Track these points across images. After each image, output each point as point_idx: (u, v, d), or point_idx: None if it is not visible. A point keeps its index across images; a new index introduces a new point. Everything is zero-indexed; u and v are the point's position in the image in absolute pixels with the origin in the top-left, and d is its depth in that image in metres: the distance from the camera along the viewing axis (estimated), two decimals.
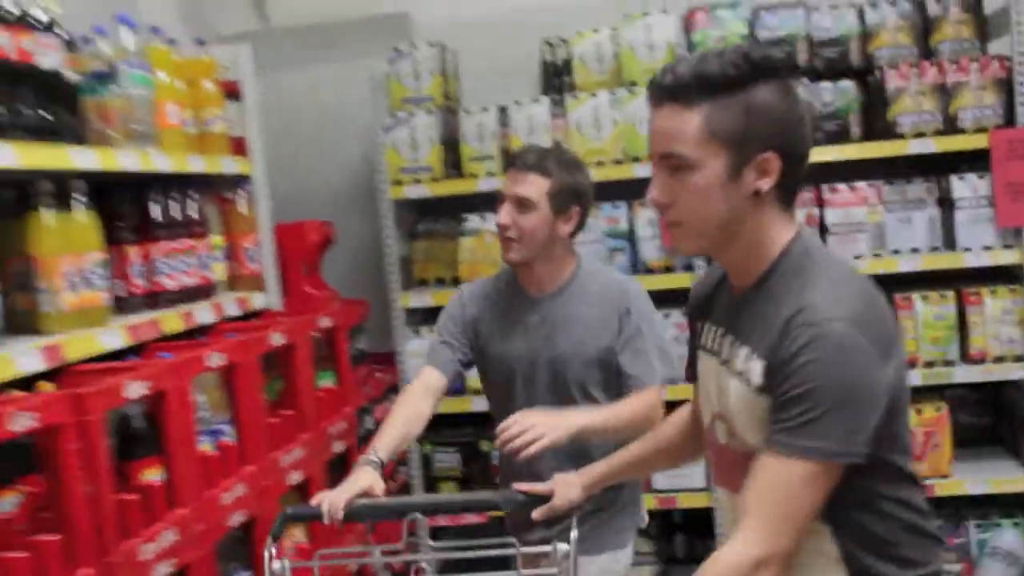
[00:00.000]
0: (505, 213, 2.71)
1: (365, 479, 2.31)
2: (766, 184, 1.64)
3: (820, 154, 3.84)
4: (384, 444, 2.48)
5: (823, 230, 3.90)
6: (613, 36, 4.11)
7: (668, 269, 3.99)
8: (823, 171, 3.80)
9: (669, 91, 1.65)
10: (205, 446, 2.62)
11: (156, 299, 2.89)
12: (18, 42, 2.35)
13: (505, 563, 2.19)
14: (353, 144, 4.59)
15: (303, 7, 4.69)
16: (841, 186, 3.91)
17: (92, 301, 2.54)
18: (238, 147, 3.48)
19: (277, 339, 3.03)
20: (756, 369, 1.66)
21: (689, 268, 3.95)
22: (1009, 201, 3.77)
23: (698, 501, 4.00)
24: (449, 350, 2.79)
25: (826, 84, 3.93)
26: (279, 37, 4.61)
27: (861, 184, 3.91)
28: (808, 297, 1.61)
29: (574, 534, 2.12)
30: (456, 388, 4.03)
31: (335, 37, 4.65)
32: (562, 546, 2.10)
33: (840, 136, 3.92)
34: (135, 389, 2.23)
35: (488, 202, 4.05)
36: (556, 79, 4.25)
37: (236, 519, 2.61)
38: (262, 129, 3.68)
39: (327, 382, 3.56)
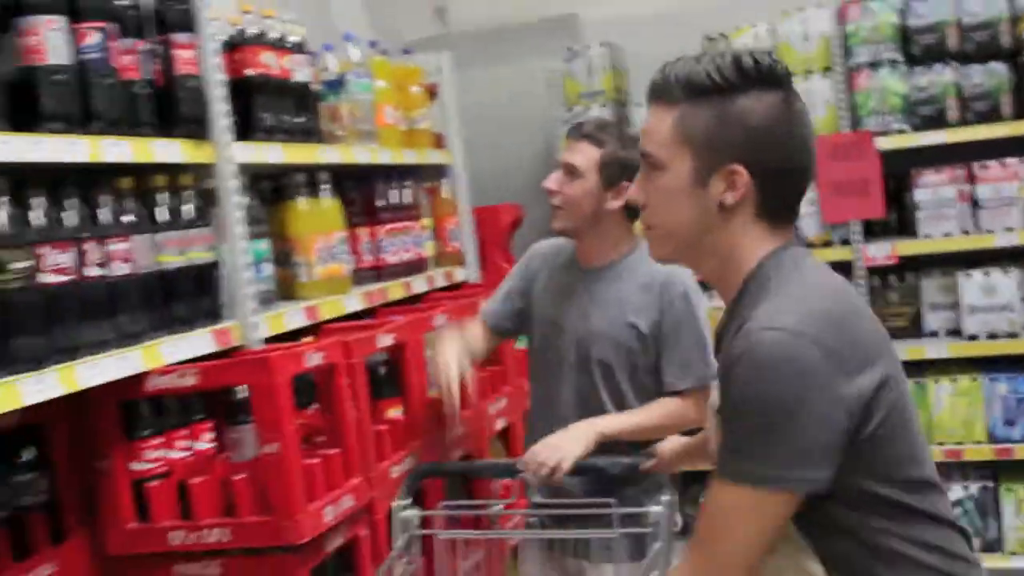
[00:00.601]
0: (553, 179, 2.67)
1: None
2: (731, 197, 1.54)
3: (971, 133, 4.14)
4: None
5: (975, 204, 4.19)
6: (771, 30, 4.46)
7: (827, 243, 4.33)
8: (974, 149, 4.10)
9: (656, 90, 1.61)
10: (433, 392, 3.12)
11: (381, 272, 3.42)
12: (280, 61, 2.90)
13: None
14: (537, 134, 5.00)
15: (480, 13, 5.18)
16: (992, 163, 4.18)
17: (337, 272, 3.07)
18: (439, 141, 4.01)
19: None
20: (716, 389, 1.58)
21: (846, 242, 4.28)
22: None
23: None
24: (501, 304, 2.89)
25: (976, 66, 4.19)
26: (458, 41, 5.06)
27: (1012, 160, 4.17)
28: (756, 310, 1.50)
29: (665, 497, 2.22)
30: None
31: (510, 39, 5.10)
32: (655, 508, 2.21)
33: (991, 116, 4.18)
34: (384, 340, 2.75)
35: None
36: None
37: (456, 454, 3.10)
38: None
39: (521, 344, 4.03)
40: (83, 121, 2.20)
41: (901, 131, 4.22)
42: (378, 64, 3.57)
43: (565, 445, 2.48)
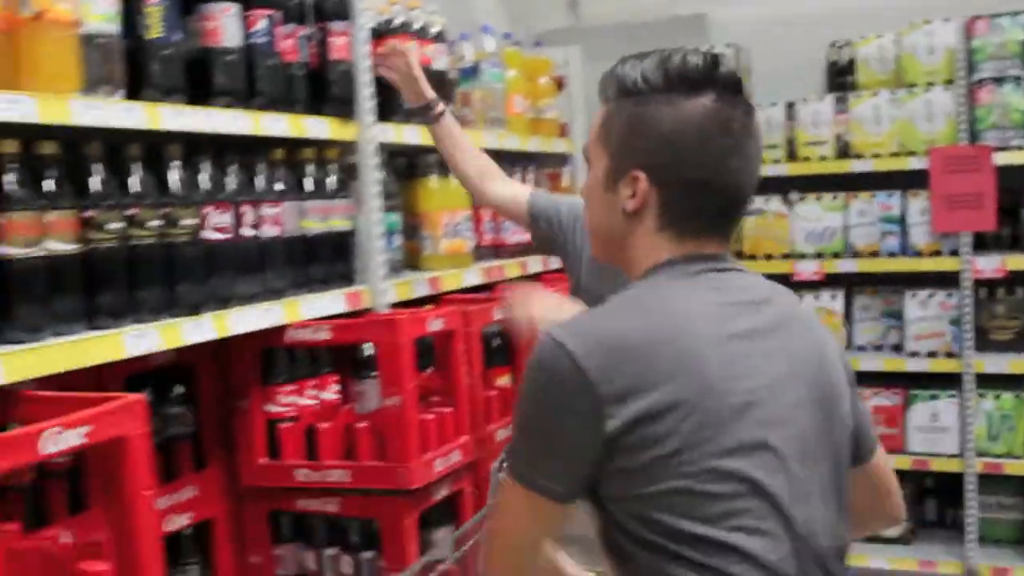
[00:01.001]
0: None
1: None
2: (630, 204, 1.50)
3: None
4: None
5: None
6: (896, 40, 4.53)
7: (936, 253, 4.39)
8: None
9: (600, 86, 1.57)
10: None
11: (500, 250, 3.65)
12: (422, 50, 3.14)
13: None
14: None
15: (611, 9, 5.32)
16: None
17: (460, 248, 3.31)
18: (564, 131, 4.22)
19: None
20: None
21: (955, 253, 4.35)
22: None
23: (950, 466, 4.33)
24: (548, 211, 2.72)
25: None
26: (588, 34, 5.19)
27: None
28: None
29: None
30: None
31: (639, 35, 5.24)
32: None
33: None
34: (499, 312, 2.98)
35: (773, 187, 4.61)
36: (840, 78, 4.70)
37: None
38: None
39: None
40: (247, 97, 2.48)
41: (1020, 147, 4.26)
42: (511, 55, 3.79)
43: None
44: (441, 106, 2.76)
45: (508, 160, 3.71)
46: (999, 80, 4.28)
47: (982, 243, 4.41)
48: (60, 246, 1.99)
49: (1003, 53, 4.32)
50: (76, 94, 1.99)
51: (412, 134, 3.04)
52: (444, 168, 3.25)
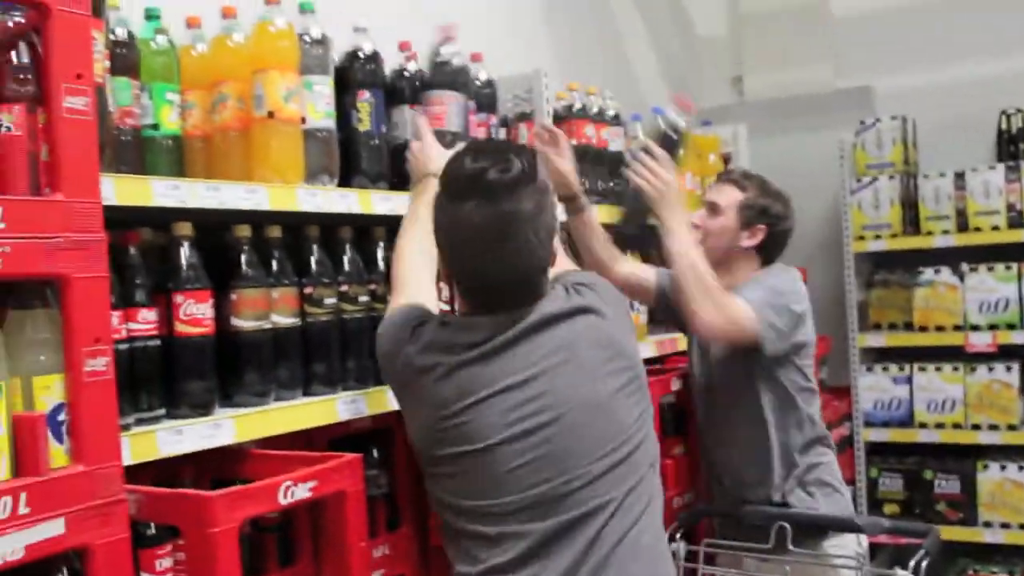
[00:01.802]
0: (698, 216, 2.89)
1: None
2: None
3: None
4: None
5: None
6: None
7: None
8: None
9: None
10: None
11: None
12: (599, 133, 3.29)
13: None
14: (821, 203, 5.13)
15: (775, 82, 5.38)
16: None
17: (636, 320, 3.42)
18: None
19: None
20: None
21: None
22: None
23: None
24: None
25: None
26: (752, 110, 5.29)
27: None
28: None
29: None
30: (903, 420, 4.59)
31: (804, 109, 5.28)
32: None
33: None
34: (676, 383, 3.08)
35: (942, 258, 4.57)
36: (1011, 146, 4.68)
37: None
38: None
39: None
40: None
41: None
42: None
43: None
44: (584, 199, 2.89)
45: None
46: None
47: None
48: (284, 320, 2.20)
49: None
50: (301, 183, 2.21)
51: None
52: None
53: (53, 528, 1.52)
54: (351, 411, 2.30)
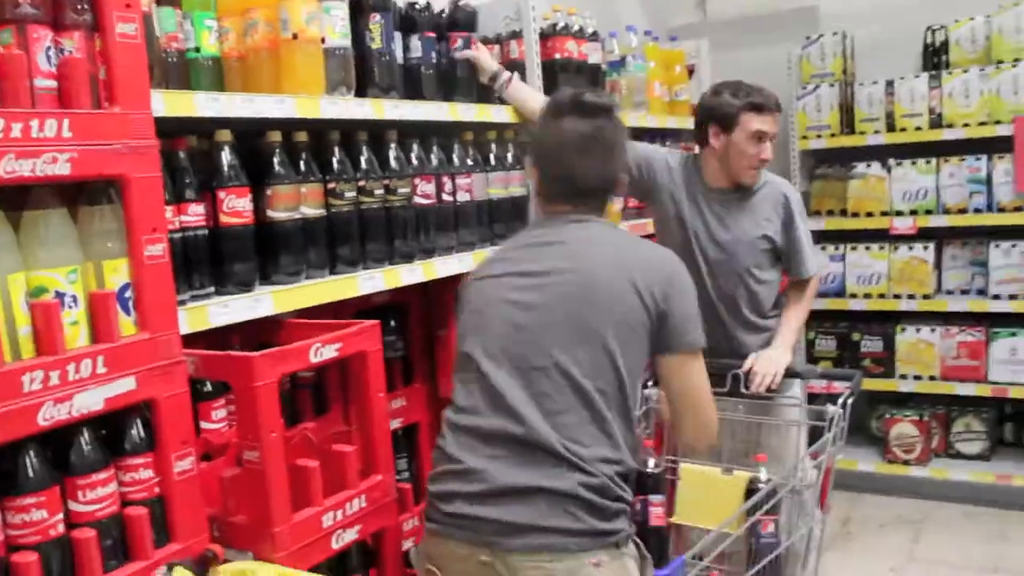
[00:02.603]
0: (768, 149, 2.87)
1: None
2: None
3: None
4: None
5: None
6: (986, 22, 4.40)
7: (1018, 208, 4.27)
8: None
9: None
10: None
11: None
12: (579, 47, 3.25)
13: None
14: None
15: (733, 4, 5.32)
16: None
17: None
18: (694, 110, 4.24)
19: None
20: None
21: None
22: None
23: None
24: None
25: None
26: (714, 27, 5.19)
27: None
28: None
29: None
30: (837, 291, 4.64)
31: (757, 27, 5.21)
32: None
33: None
34: None
35: (873, 154, 4.56)
36: (935, 58, 4.61)
37: None
38: None
39: None
40: (447, 93, 2.66)
41: None
42: (650, 49, 3.86)
43: (777, 359, 2.73)
44: (507, 74, 2.84)
45: (649, 136, 3.81)
46: None
47: None
48: (311, 211, 2.21)
49: None
50: (322, 95, 2.20)
51: None
52: None
53: (126, 384, 1.57)
54: (370, 286, 2.33)
